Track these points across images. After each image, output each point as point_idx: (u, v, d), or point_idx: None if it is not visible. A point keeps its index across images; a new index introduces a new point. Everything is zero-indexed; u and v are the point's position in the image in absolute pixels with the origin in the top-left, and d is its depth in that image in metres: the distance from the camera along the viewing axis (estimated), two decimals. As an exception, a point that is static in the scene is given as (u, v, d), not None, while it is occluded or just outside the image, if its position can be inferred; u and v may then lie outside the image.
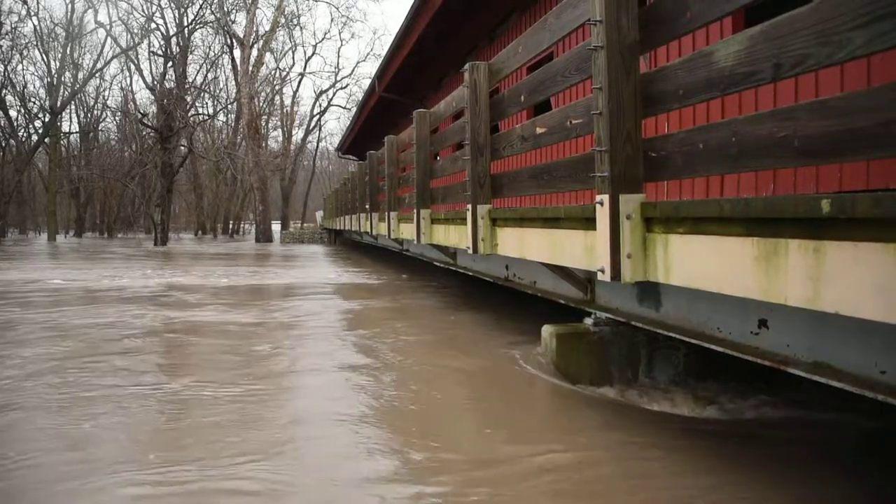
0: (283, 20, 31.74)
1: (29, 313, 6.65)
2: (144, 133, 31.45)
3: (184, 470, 2.47)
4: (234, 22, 29.99)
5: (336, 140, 38.87)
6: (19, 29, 30.29)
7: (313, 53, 63.66)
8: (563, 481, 2.47)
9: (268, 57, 33.13)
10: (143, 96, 39.97)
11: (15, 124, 33.28)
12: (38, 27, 33.13)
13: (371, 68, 34.94)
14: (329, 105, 41.28)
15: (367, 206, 11.06)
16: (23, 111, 34.05)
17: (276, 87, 36.89)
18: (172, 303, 7.54)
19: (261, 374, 4.03)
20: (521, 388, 3.83)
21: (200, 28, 30.83)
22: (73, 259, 16.70)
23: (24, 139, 33.94)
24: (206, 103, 34.57)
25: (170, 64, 30.23)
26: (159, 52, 31.46)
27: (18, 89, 32.44)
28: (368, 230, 11.16)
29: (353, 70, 52.71)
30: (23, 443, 2.77)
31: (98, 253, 19.51)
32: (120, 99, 38.44)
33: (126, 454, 2.66)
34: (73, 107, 36.09)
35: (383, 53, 15.35)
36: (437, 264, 7.93)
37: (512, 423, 3.18)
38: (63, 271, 12.29)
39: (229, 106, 35.27)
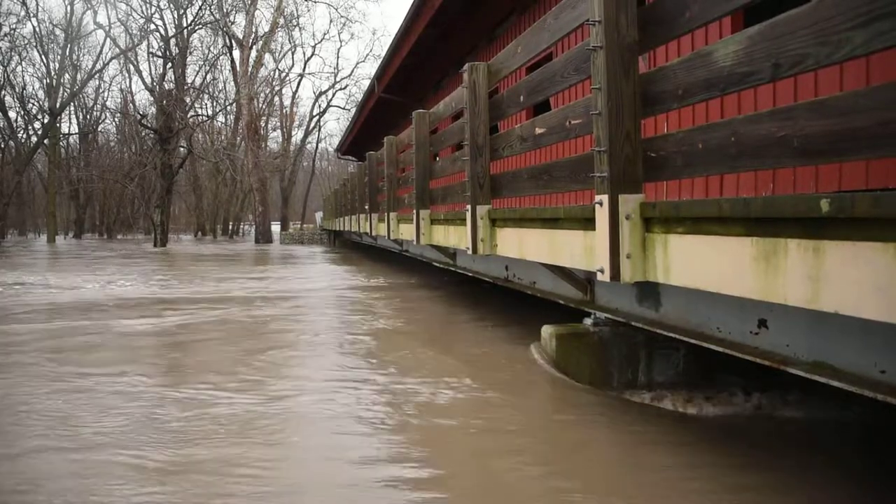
0: (282, 21, 31.75)
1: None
2: (144, 134, 31.44)
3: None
4: (233, 23, 29.99)
5: (335, 141, 38.86)
6: (18, 30, 30.36)
7: (312, 54, 63.52)
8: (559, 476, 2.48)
9: (267, 58, 33.15)
10: (142, 97, 40.00)
11: (14, 125, 33.31)
12: (37, 28, 33.20)
13: (370, 69, 34.89)
14: (328, 106, 41.24)
15: (367, 207, 11.06)
16: (22, 112, 34.13)
17: (276, 88, 36.85)
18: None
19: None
20: (521, 386, 3.82)
21: (199, 29, 30.81)
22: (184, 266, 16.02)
23: (23, 140, 33.94)
24: (206, 104, 34.61)
25: (169, 65, 30.20)
26: (158, 53, 31.43)
27: (17, 90, 32.50)
28: (368, 231, 11.15)
29: (352, 71, 52.49)
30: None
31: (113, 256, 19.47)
32: (119, 100, 38.49)
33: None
34: (72, 108, 36.11)
35: (382, 54, 15.34)
36: (437, 265, 7.92)
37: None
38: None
39: (229, 107, 35.25)
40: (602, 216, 2.57)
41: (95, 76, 34.38)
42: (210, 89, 33.77)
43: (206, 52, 33.47)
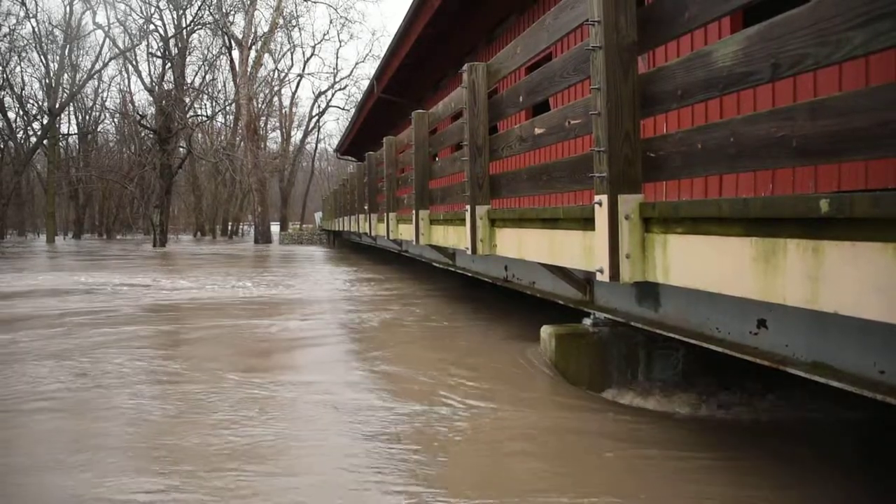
0: (281, 21, 31.76)
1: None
2: (143, 134, 31.44)
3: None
4: (232, 23, 30.04)
5: (335, 141, 38.84)
6: (17, 31, 30.37)
7: (312, 55, 63.41)
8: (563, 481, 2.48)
9: (266, 58, 33.16)
10: (141, 98, 39.97)
11: (13, 126, 33.30)
12: (36, 29, 33.16)
13: (370, 69, 34.83)
14: (328, 106, 41.26)
15: (366, 207, 11.05)
16: (21, 113, 34.12)
17: (275, 89, 36.90)
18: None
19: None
20: (521, 387, 3.83)
21: (199, 29, 30.83)
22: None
23: (22, 141, 33.94)
24: (205, 104, 34.63)
25: (168, 65, 30.21)
26: (158, 53, 31.45)
27: (17, 91, 32.48)
28: (367, 231, 11.14)
29: (351, 71, 52.52)
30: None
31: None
32: (118, 100, 38.48)
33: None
34: (71, 108, 36.13)
35: (382, 54, 15.34)
36: (436, 265, 7.92)
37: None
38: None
39: (228, 107, 35.25)
40: (601, 216, 2.57)
41: (94, 76, 34.46)
42: (209, 89, 33.86)
43: (206, 52, 33.56)
